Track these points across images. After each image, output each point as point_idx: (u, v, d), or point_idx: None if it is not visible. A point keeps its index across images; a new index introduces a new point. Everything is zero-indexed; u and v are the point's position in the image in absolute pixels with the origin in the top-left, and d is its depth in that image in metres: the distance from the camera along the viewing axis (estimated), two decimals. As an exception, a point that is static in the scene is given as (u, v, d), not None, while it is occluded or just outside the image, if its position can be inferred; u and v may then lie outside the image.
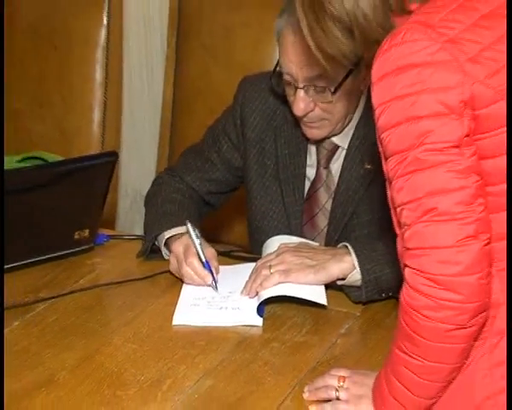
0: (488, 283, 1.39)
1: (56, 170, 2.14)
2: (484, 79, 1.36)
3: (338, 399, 1.61)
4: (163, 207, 2.23)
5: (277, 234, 2.21)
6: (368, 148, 2.16)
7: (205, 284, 2.02)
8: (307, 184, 2.25)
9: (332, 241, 2.20)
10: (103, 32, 3.14)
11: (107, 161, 2.12)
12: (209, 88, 3.12)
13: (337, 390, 1.61)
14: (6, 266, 2.07)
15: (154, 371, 1.74)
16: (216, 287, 2.03)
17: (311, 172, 2.25)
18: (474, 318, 1.39)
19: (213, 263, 2.06)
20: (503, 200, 1.41)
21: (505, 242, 1.43)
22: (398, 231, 1.51)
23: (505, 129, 1.39)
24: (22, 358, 1.80)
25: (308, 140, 2.22)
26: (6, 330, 1.88)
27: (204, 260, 2.03)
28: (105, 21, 3.13)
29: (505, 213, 1.42)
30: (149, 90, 3.51)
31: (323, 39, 1.54)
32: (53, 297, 2.02)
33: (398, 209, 1.43)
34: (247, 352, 1.81)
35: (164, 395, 1.66)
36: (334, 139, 2.20)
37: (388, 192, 1.50)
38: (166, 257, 2.14)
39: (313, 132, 2.16)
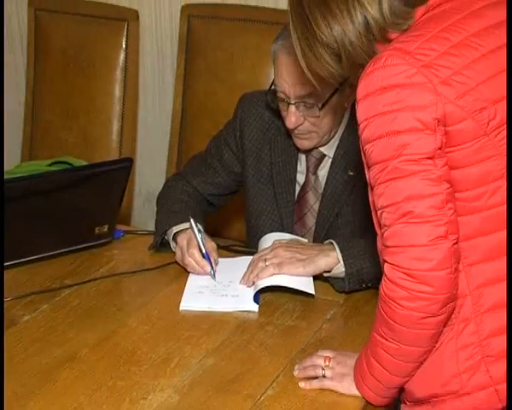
0: (456, 277, 1.40)
1: (80, 173, 2.16)
2: (454, 99, 1.37)
3: (324, 376, 1.62)
4: (172, 206, 2.23)
5: (271, 231, 2.21)
6: (351, 157, 2.17)
7: (204, 272, 2.04)
8: (297, 188, 2.26)
9: (319, 238, 2.20)
10: (122, 55, 3.18)
11: (124, 166, 2.12)
12: (213, 103, 3.11)
13: (323, 369, 1.62)
14: (36, 256, 2.11)
15: (164, 350, 1.75)
16: (214, 276, 2.04)
17: (301, 178, 2.25)
18: (444, 307, 1.41)
19: (213, 255, 2.06)
20: (470, 205, 1.43)
21: (471, 241, 1.44)
22: (378, 230, 1.52)
23: (471, 143, 1.40)
24: (50, 336, 1.81)
25: (298, 150, 2.23)
26: (36, 312, 1.90)
27: (204, 251, 2.04)
28: (123, 46, 3.18)
29: (471, 216, 1.42)
30: (161, 105, 3.50)
31: (315, 63, 1.54)
32: (76, 284, 2.03)
33: (379, 212, 1.44)
34: (245, 334, 1.81)
35: (172, 371, 1.67)
36: (322, 149, 2.20)
37: (370, 196, 1.51)
38: (174, 249, 2.14)
39: (303, 143, 2.17)
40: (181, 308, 1.93)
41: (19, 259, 2.09)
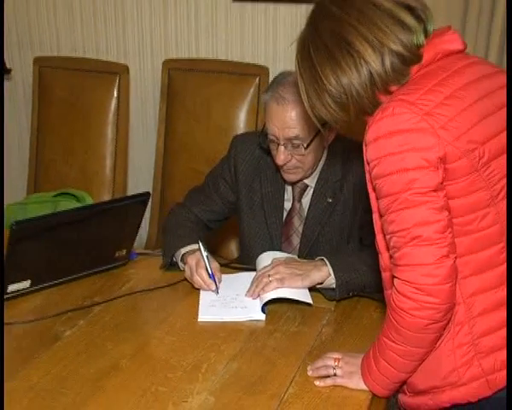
0: (455, 289, 1.39)
1: (105, 207, 2.07)
2: (452, 142, 1.36)
3: (335, 375, 1.58)
4: (178, 231, 2.17)
5: (263, 251, 2.16)
6: (329, 187, 2.16)
7: (210, 289, 1.98)
8: (285, 214, 2.22)
9: (303, 254, 2.17)
10: (114, 103, 3.14)
11: (142, 200, 2.04)
12: (191, 142, 3.08)
13: (334, 369, 1.59)
14: (66, 278, 2.02)
15: (192, 357, 1.68)
16: (217, 292, 1.97)
17: (287, 205, 2.21)
18: (446, 314, 1.40)
19: (217, 274, 2.00)
20: (463, 228, 1.41)
21: (464, 258, 1.42)
22: (383, 250, 1.50)
23: (465, 177, 1.38)
24: (91, 349, 1.72)
25: (285, 182, 2.18)
26: (75, 328, 1.81)
27: (210, 271, 1.97)
28: (115, 95, 3.14)
29: (464, 237, 1.41)
30: (147, 144, 3.43)
31: (321, 110, 1.51)
32: (105, 301, 1.94)
33: (388, 236, 1.41)
34: (258, 341, 1.75)
35: (203, 376, 1.61)
36: (305, 180, 2.17)
37: (376, 221, 1.50)
38: (182, 268, 2.07)
39: (290, 177, 2.13)
40: (199, 320, 1.85)
41: (52, 281, 1.99)
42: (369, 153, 1.41)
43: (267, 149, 2.14)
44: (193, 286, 2.01)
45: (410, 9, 1.43)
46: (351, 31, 1.41)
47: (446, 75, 1.42)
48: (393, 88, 1.44)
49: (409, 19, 1.42)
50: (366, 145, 1.42)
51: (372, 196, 1.47)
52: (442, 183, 1.36)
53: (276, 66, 3.07)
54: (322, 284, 1.93)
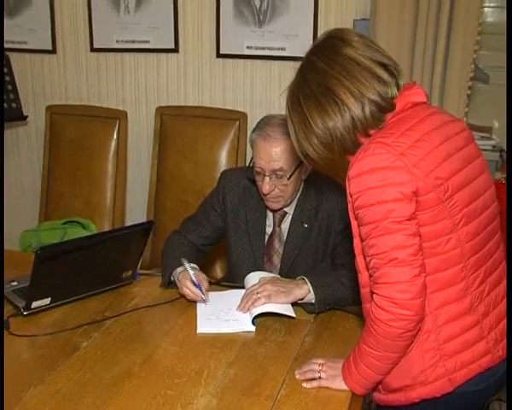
0: (425, 303, 1.39)
1: (114, 234, 2.04)
2: (423, 178, 1.37)
3: (320, 378, 1.56)
4: (175, 253, 2.12)
5: (248, 269, 2.14)
6: (305, 214, 2.16)
7: (198, 298, 1.95)
8: (267, 237, 2.20)
9: (284, 273, 2.15)
10: (114, 144, 3.11)
11: (147, 228, 2.02)
12: (180, 176, 3.06)
13: (319, 372, 1.57)
14: (80, 296, 1.98)
15: (195, 364, 1.64)
16: (204, 301, 1.95)
17: (269, 229, 2.20)
18: (417, 325, 1.40)
19: (203, 284, 1.97)
20: (431, 251, 1.42)
21: (431, 276, 1.42)
22: (362, 270, 1.49)
23: (433, 208, 1.39)
24: (106, 358, 1.68)
25: (268, 209, 2.17)
26: (91, 339, 1.76)
27: (196, 282, 1.95)
28: (115, 137, 3.11)
29: (431, 258, 1.41)
30: (142, 179, 3.38)
31: (308, 150, 1.51)
32: (115, 316, 1.89)
33: (368, 258, 1.41)
34: (251, 349, 1.72)
35: (205, 380, 1.57)
36: (285, 209, 2.16)
37: (356, 245, 1.49)
38: (179, 285, 2.02)
39: (273, 205, 2.12)
40: (198, 332, 1.81)
41: (68, 298, 1.95)
42: (352, 187, 1.41)
43: (253, 180, 2.13)
44: (189, 302, 1.97)
45: (384, 66, 1.44)
46: (335, 82, 1.42)
47: (415, 122, 1.44)
48: (372, 132, 1.45)
49: (384, 74, 1.43)
50: (349, 180, 1.41)
51: (354, 223, 1.46)
52: (415, 213, 1.37)
53: (253, 111, 3.09)
54: (303, 299, 1.91)
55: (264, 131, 2.03)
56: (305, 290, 1.90)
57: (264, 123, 2.06)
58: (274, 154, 2.01)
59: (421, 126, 1.43)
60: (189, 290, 1.96)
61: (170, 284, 2.09)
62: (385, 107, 1.43)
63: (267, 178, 2.04)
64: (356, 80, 1.41)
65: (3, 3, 3.30)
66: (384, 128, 1.43)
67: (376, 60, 1.43)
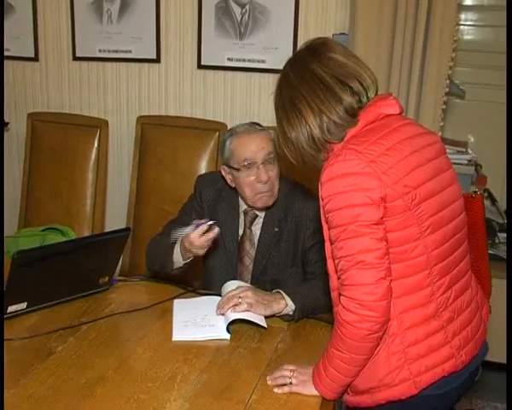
0: (390, 306, 1.43)
1: (91, 240, 2.07)
2: (391, 185, 1.41)
3: (291, 383, 1.59)
4: (163, 243, 2.19)
5: (222, 271, 2.24)
6: (275, 218, 2.22)
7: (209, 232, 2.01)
8: (239, 238, 2.26)
9: (256, 275, 2.22)
10: (95, 152, 3.12)
11: (123, 235, 2.04)
12: (160, 185, 3.09)
13: (290, 378, 1.60)
14: (56, 301, 1.99)
15: (168, 369, 1.67)
16: (211, 224, 2.01)
17: (240, 231, 2.26)
18: (383, 326, 1.44)
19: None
20: (397, 257, 1.45)
21: (397, 281, 1.46)
22: (332, 273, 1.53)
23: (400, 215, 1.43)
24: (81, 362, 1.70)
25: (239, 211, 2.25)
26: (66, 343, 1.78)
27: (195, 227, 2.01)
28: (96, 145, 3.12)
29: (398, 264, 1.45)
30: (122, 187, 3.42)
31: (287, 152, 1.61)
32: (90, 321, 1.91)
33: (337, 260, 1.45)
34: (224, 355, 1.75)
35: (178, 385, 1.60)
36: (256, 211, 2.23)
37: (327, 248, 1.53)
38: (191, 249, 2.05)
39: (267, 200, 2.17)
40: (173, 339, 1.83)
41: (45, 303, 1.96)
42: (324, 190, 1.45)
43: (226, 183, 2.23)
44: (169, 308, 2.00)
45: (348, 87, 1.51)
46: (301, 99, 1.52)
47: (388, 131, 1.49)
48: (334, 143, 1.52)
49: (345, 94, 1.50)
50: (321, 184, 1.46)
51: (325, 227, 1.51)
52: (382, 218, 1.41)
53: (233, 122, 3.07)
54: (280, 312, 1.94)
55: (242, 130, 2.15)
56: (282, 305, 1.93)
57: (236, 127, 2.19)
58: (261, 141, 2.13)
59: (393, 136, 1.48)
60: (198, 236, 2.00)
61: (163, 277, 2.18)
62: (343, 125, 1.50)
63: (262, 166, 2.11)
64: (317, 99, 1.50)
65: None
66: (357, 136, 1.49)
67: (341, 79, 1.50)
